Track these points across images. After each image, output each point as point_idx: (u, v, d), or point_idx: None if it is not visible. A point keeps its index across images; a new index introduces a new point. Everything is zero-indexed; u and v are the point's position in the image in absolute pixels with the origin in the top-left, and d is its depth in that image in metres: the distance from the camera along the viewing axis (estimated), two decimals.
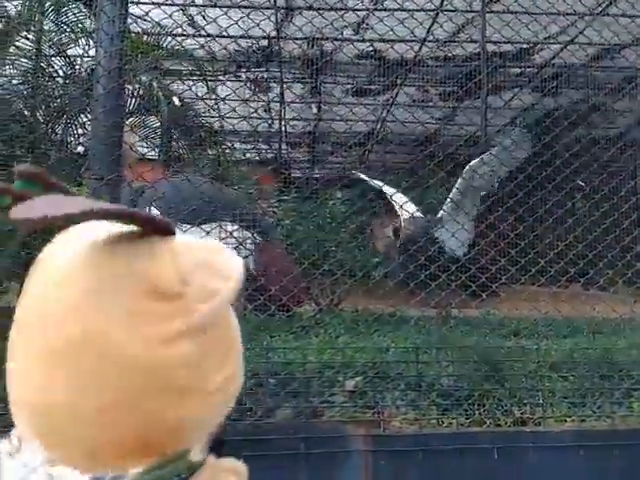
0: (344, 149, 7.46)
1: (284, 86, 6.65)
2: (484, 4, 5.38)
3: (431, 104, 7.37)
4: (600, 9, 5.94)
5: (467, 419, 1.66)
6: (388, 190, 4.33)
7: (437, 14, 5.87)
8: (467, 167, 3.63)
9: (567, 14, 5.28)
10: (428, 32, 5.96)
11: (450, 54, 6.37)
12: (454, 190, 3.79)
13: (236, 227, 3.38)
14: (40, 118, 4.59)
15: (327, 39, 5.43)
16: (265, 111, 6.98)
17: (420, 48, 6.29)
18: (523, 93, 7.24)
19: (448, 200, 3.81)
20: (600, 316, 3.13)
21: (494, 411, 1.67)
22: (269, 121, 6.86)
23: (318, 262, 4.04)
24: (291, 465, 1.74)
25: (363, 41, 5.54)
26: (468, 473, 1.58)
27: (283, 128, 6.82)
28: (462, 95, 6.77)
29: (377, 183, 4.54)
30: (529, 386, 1.84)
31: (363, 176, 5.04)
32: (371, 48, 5.93)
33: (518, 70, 7.15)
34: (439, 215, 3.86)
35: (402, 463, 1.59)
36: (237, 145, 6.91)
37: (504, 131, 4.44)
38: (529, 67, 6.98)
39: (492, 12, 5.26)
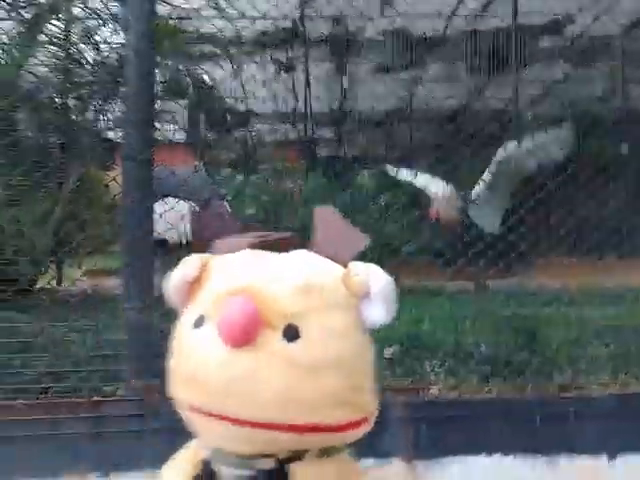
0: (370, 128, 7.40)
1: (309, 66, 6.62)
2: None
3: (458, 80, 7.24)
4: None
5: (508, 386, 1.66)
6: (419, 180, 4.24)
7: None
8: (500, 150, 3.56)
9: None
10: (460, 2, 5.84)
11: (479, 28, 6.23)
12: (487, 173, 3.72)
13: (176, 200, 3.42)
14: (71, 104, 4.66)
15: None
16: (290, 91, 6.96)
17: (447, 24, 6.19)
18: (554, 65, 7.04)
19: (481, 181, 3.74)
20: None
21: (536, 378, 1.66)
22: (294, 101, 6.83)
23: None
24: None
25: (397, 15, 5.44)
26: (508, 439, 1.58)
27: (309, 108, 6.78)
28: (491, 69, 6.63)
29: (406, 174, 4.43)
30: (570, 353, 1.82)
31: (390, 167, 4.88)
32: (396, 25, 5.85)
33: (548, 44, 6.96)
34: (473, 193, 3.79)
35: (443, 429, 1.59)
36: (263, 126, 6.92)
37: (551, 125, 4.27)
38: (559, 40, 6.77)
39: None
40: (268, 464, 0.72)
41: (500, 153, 3.57)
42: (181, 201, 3.28)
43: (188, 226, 3.47)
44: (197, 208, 3.70)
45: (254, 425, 0.68)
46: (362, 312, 0.74)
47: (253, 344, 0.66)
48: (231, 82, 5.86)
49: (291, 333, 0.68)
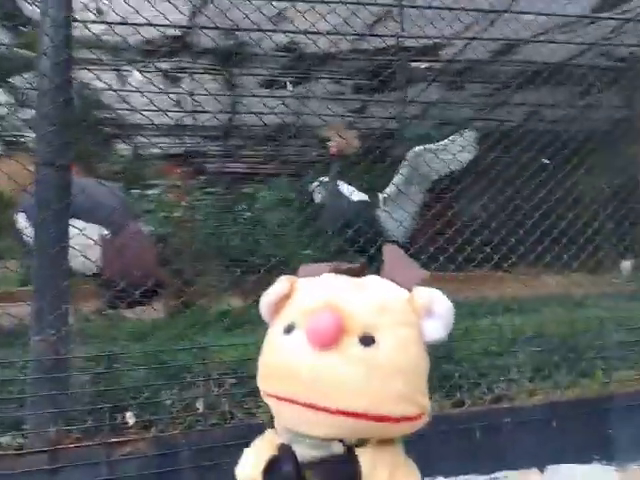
0: (257, 142, 7.33)
1: (196, 78, 6.39)
2: None
3: (344, 97, 7.44)
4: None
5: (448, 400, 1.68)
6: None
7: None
8: (411, 151, 3.65)
9: (475, 10, 5.55)
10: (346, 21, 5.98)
11: (365, 47, 6.44)
12: (397, 175, 3.80)
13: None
14: None
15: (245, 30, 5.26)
16: (175, 104, 6.67)
17: (335, 42, 6.30)
18: (431, 88, 7.52)
19: (392, 184, 3.80)
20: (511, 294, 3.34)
21: (467, 391, 1.69)
22: (180, 114, 6.55)
23: (242, 256, 3.91)
24: None
25: (283, 32, 5.44)
26: (453, 454, 1.59)
27: (196, 120, 6.54)
28: (375, 88, 6.90)
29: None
30: (496, 363, 1.89)
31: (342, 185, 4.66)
32: (289, 40, 5.85)
33: (426, 65, 7.43)
34: (381, 197, 3.84)
35: None
36: (147, 139, 6.54)
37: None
38: (437, 61, 7.24)
39: (409, 6, 5.40)
40: (339, 448, 0.89)
41: (410, 154, 3.68)
42: (89, 224, 2.85)
43: (97, 254, 2.98)
44: (108, 233, 3.21)
45: (334, 412, 0.84)
46: (423, 329, 0.92)
47: (335, 348, 0.85)
48: (114, 92, 5.46)
49: (367, 340, 0.87)
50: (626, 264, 3.98)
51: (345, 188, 4.00)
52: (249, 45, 5.94)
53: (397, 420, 0.88)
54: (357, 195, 3.90)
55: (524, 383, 1.88)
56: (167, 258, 3.36)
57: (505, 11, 6.41)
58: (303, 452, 0.90)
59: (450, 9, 5.46)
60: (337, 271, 1.02)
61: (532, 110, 8.45)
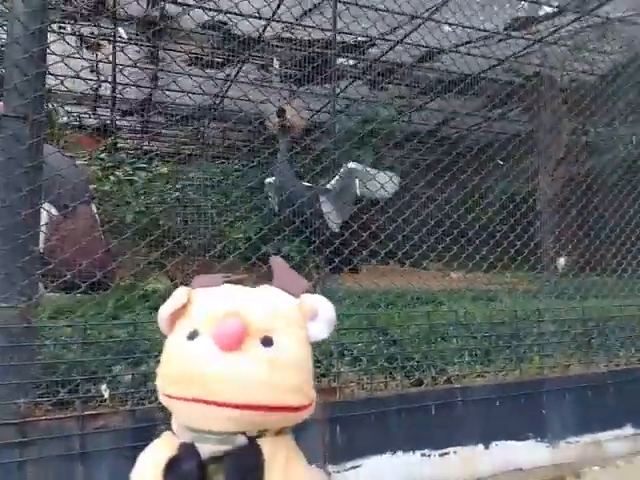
0: (181, 122, 7.07)
1: (117, 47, 6.03)
2: None
3: (270, 84, 7.38)
4: (426, 14, 6.56)
5: (409, 380, 1.75)
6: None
7: None
8: (345, 167, 3.74)
9: (401, 14, 5.75)
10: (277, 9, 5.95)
11: (295, 37, 6.43)
12: (335, 178, 3.87)
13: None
14: None
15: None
16: (92, 72, 6.25)
17: (266, 27, 6.24)
18: (357, 85, 7.69)
19: (333, 180, 3.87)
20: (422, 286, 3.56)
21: (429, 371, 1.79)
22: (99, 84, 6.15)
23: (170, 237, 3.79)
24: None
25: (209, 10, 5.27)
26: (413, 430, 1.67)
27: (115, 93, 6.17)
28: (303, 79, 6.92)
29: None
30: (450, 347, 2.01)
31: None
32: (217, 19, 5.69)
33: (352, 62, 7.58)
34: (328, 186, 3.88)
35: (355, 428, 1.60)
36: (61, 107, 6.05)
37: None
38: (365, 60, 7.40)
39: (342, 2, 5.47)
40: (242, 440, 0.97)
41: (345, 167, 3.77)
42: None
43: (42, 237, 2.61)
44: (56, 213, 2.86)
45: (241, 407, 0.93)
46: (310, 330, 1.05)
47: (240, 349, 0.96)
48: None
49: (267, 341, 0.99)
50: (561, 261, 4.36)
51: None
52: (175, 19, 5.71)
53: (294, 409, 0.99)
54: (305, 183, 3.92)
55: (474, 366, 2.02)
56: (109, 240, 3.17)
57: (428, 18, 6.75)
58: (207, 449, 0.97)
59: (377, 9, 5.66)
60: (230, 282, 1.14)
61: (446, 117, 8.93)
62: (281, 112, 4.06)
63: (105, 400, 1.52)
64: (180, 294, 1.06)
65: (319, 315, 1.04)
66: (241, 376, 0.94)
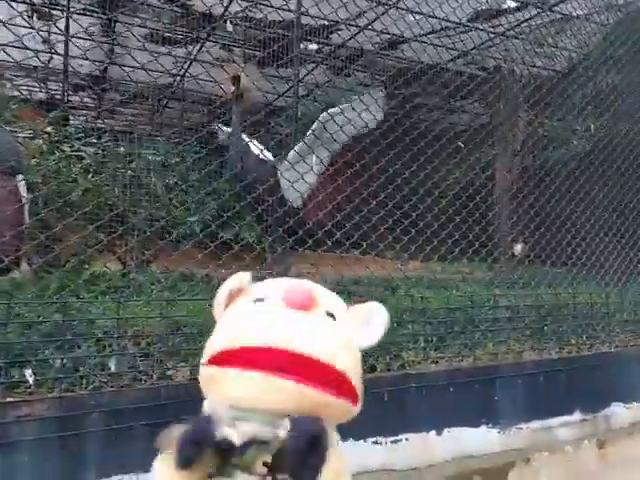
0: (138, 100, 6.82)
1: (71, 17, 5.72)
2: None
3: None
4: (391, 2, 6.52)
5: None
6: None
7: None
8: (324, 113, 3.59)
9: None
10: None
11: (258, 17, 6.27)
12: (308, 134, 3.70)
13: None
14: None
15: None
16: (44, 42, 5.93)
17: (229, 5, 6.05)
18: (319, 70, 7.59)
19: (294, 150, 3.71)
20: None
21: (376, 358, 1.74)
22: (49, 55, 5.84)
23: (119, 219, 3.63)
24: None
25: None
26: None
27: (67, 66, 5.85)
28: (266, 61, 6.78)
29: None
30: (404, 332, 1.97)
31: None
32: None
33: (316, 46, 7.48)
34: (289, 155, 3.70)
35: None
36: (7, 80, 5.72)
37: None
38: (328, 45, 7.30)
39: None
40: (286, 426, 0.83)
41: (323, 114, 3.62)
42: None
43: None
44: None
45: (309, 362, 0.86)
46: (362, 334, 0.98)
47: (308, 311, 0.92)
48: None
49: (331, 315, 0.96)
50: (518, 247, 4.42)
51: (253, 144, 3.82)
52: None
53: (354, 399, 0.92)
54: (266, 153, 3.74)
55: (429, 352, 2.00)
56: (37, 212, 2.98)
57: (393, 6, 6.71)
58: (248, 431, 0.85)
59: None
60: None
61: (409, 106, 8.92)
62: (235, 79, 3.88)
63: (30, 386, 1.40)
64: (241, 275, 1.00)
65: (374, 320, 0.99)
66: (311, 331, 0.89)
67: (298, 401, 0.85)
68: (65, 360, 1.49)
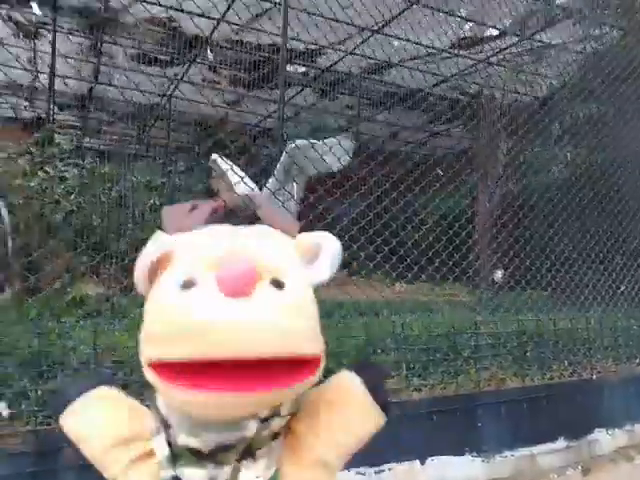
0: (121, 119, 6.81)
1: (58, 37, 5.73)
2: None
3: (220, 87, 7.25)
4: (377, 28, 6.64)
5: None
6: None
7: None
8: (291, 144, 3.62)
9: (349, 24, 5.81)
10: (227, 10, 5.86)
11: (245, 40, 6.34)
12: (278, 165, 3.73)
13: None
14: None
15: None
16: (30, 62, 5.92)
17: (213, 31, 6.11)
18: (305, 93, 7.66)
19: (272, 176, 3.73)
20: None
21: None
22: (34, 74, 5.82)
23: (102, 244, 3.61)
24: None
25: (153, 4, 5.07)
26: None
27: (53, 85, 5.83)
28: (252, 83, 6.84)
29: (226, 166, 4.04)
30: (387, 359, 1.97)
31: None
32: (164, 15, 5.51)
33: (303, 69, 7.56)
34: (267, 185, 3.71)
35: None
36: None
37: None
38: (315, 68, 7.40)
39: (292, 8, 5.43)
40: (253, 426, 0.80)
41: (289, 147, 3.63)
42: None
43: None
44: None
45: (259, 362, 0.74)
46: (311, 270, 0.89)
47: (250, 293, 0.76)
48: None
49: (277, 283, 0.81)
50: (498, 273, 4.47)
51: (233, 171, 3.81)
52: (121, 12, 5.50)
53: (313, 364, 0.81)
54: (247, 181, 3.73)
55: (411, 380, 2.00)
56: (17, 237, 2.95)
57: (376, 31, 6.84)
58: (212, 440, 0.80)
59: (328, 18, 5.67)
60: (212, 220, 0.97)
61: (393, 131, 9.06)
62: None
63: (3, 419, 1.36)
64: (161, 240, 0.84)
65: (322, 252, 0.89)
66: (257, 325, 0.75)
67: (260, 406, 0.80)
68: (40, 392, 1.45)
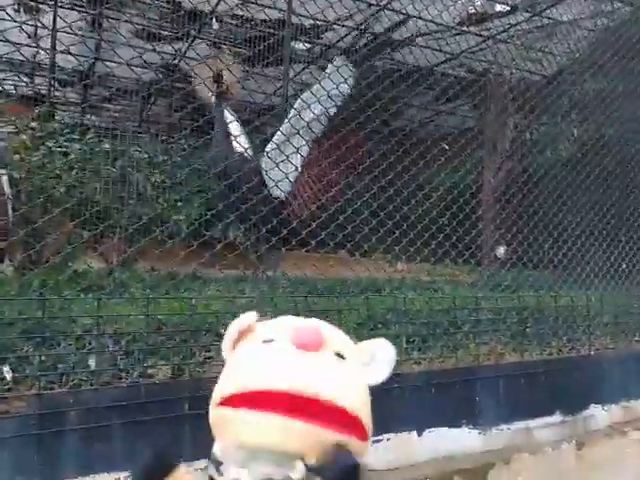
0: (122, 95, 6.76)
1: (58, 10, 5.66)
2: None
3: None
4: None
5: None
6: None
7: None
8: (298, 99, 3.58)
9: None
10: None
11: (249, 15, 6.25)
12: (285, 122, 3.68)
13: None
14: None
15: None
16: (30, 37, 5.86)
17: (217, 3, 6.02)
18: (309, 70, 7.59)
19: (272, 141, 3.68)
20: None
21: None
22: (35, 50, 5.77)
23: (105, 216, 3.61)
24: (173, 429, 1.54)
25: None
26: None
27: (53, 61, 5.79)
28: (255, 60, 6.75)
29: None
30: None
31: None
32: None
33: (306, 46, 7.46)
34: (268, 147, 3.67)
35: None
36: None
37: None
38: (319, 44, 7.29)
39: None
40: (301, 468, 0.85)
41: (298, 101, 3.59)
42: None
43: None
44: None
45: (319, 403, 0.86)
46: (370, 371, 0.98)
47: (317, 352, 0.92)
48: None
49: (340, 355, 0.95)
50: (500, 249, 4.46)
51: (238, 140, 3.77)
52: None
53: (364, 436, 0.92)
54: (242, 141, 3.67)
55: (412, 353, 2.01)
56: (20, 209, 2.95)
57: (384, 7, 6.72)
58: (259, 473, 0.87)
59: None
60: None
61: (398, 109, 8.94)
62: (218, 77, 3.84)
63: (8, 383, 1.39)
64: (245, 315, 1.01)
65: (379, 356, 0.99)
66: (320, 372, 0.90)
67: (309, 441, 0.86)
68: (44, 357, 1.48)
